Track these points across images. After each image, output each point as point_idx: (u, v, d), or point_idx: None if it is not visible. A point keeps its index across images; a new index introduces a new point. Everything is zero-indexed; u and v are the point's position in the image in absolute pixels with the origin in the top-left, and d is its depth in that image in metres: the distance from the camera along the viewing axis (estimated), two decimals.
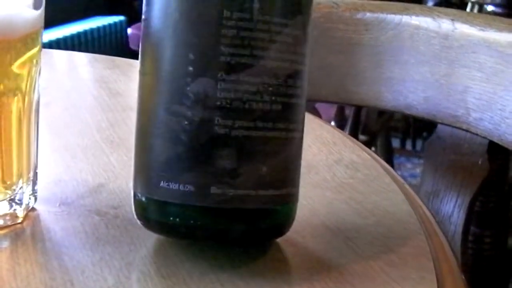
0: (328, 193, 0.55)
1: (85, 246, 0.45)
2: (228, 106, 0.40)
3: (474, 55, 0.83)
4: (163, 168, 0.41)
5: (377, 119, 1.77)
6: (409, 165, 3.07)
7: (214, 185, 0.41)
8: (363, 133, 1.69)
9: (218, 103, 0.40)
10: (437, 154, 0.88)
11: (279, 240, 0.45)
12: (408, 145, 3.27)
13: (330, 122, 1.81)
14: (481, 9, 2.86)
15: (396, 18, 0.87)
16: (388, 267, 0.43)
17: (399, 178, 0.60)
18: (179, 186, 0.41)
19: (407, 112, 0.89)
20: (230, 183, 0.41)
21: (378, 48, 0.89)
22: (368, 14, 0.89)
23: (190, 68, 0.41)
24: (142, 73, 0.43)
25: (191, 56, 0.41)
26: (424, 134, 2.75)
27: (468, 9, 3.21)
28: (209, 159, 0.40)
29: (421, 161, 2.99)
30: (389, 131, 2.04)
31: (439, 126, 0.87)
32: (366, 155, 0.68)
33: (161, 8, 0.41)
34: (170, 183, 0.41)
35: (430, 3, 2.45)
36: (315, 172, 0.60)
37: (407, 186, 0.58)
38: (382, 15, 0.88)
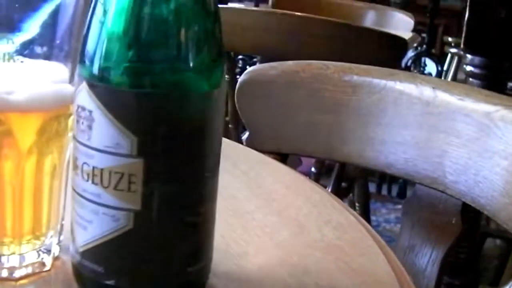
0: (318, 253, 0.60)
1: None
2: None
3: (453, 122, 0.88)
4: None
5: (355, 167, 1.83)
6: (384, 211, 3.12)
7: None
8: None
9: None
10: (414, 211, 0.93)
11: None
12: (384, 190, 3.32)
13: (310, 168, 1.86)
14: (459, 61, 2.94)
15: (382, 82, 0.93)
16: None
17: (380, 239, 0.65)
18: None
19: (388, 171, 0.94)
20: None
21: (363, 110, 0.95)
22: (356, 77, 0.95)
23: None
24: None
25: None
26: (400, 180, 2.80)
27: (447, 60, 3.30)
28: None
29: (396, 206, 3.03)
30: (366, 177, 2.09)
31: (417, 185, 0.93)
32: (352, 217, 0.72)
33: None
34: None
35: (410, 53, 2.52)
36: (307, 232, 0.65)
37: (387, 248, 0.63)
38: (368, 79, 0.94)
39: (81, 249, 0.47)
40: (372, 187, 3.04)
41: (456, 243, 0.93)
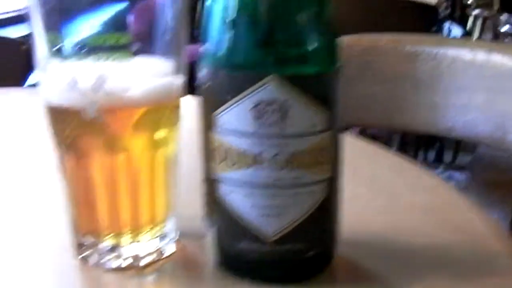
0: (417, 216, 0.62)
1: None
2: None
3: (510, 82, 0.91)
4: None
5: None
6: None
7: None
8: None
9: None
10: (478, 172, 0.96)
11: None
12: (420, 157, 3.21)
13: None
14: (483, 23, 2.96)
15: (435, 50, 0.95)
16: None
17: (466, 199, 0.67)
18: None
19: (448, 135, 0.97)
20: None
21: (419, 78, 0.97)
22: (408, 47, 0.97)
23: None
24: None
25: None
26: (437, 144, 2.73)
27: (469, 22, 3.28)
28: None
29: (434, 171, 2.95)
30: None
31: (479, 147, 0.95)
32: (437, 180, 0.74)
33: None
34: None
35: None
36: (400, 197, 0.67)
37: (476, 207, 0.65)
38: (421, 48, 0.96)
39: (272, 239, 0.48)
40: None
41: None
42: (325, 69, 0.48)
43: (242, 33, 0.46)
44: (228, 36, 0.46)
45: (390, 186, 0.71)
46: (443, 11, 2.50)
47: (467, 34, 3.00)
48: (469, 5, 3.01)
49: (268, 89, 0.45)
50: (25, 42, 1.15)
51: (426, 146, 2.89)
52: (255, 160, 0.47)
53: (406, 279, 0.52)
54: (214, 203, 0.50)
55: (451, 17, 3.08)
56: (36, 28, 0.49)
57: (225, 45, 0.46)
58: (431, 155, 3.04)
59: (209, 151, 0.49)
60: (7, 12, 2.70)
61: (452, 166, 2.55)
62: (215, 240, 0.51)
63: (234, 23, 0.46)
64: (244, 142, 0.47)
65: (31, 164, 0.79)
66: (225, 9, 0.46)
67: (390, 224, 0.61)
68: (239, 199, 0.48)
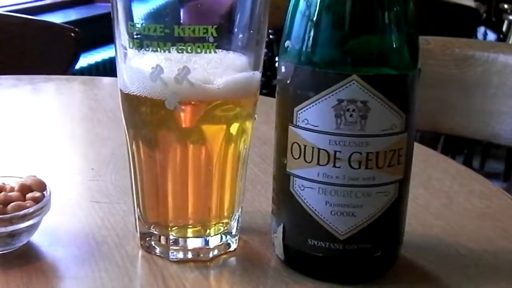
0: (474, 222, 0.63)
1: None
2: None
3: None
4: None
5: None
6: None
7: None
8: None
9: None
10: None
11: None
12: None
13: None
14: None
15: (485, 55, 0.94)
16: None
17: None
18: None
19: (493, 140, 0.96)
20: None
21: (467, 82, 0.97)
22: (458, 51, 0.97)
23: None
24: None
25: None
26: (465, 151, 2.71)
27: (504, 28, 3.26)
28: None
29: None
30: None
31: None
32: (492, 186, 0.74)
33: None
34: None
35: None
36: (456, 202, 0.68)
37: None
38: (471, 52, 0.95)
39: (343, 237, 0.48)
40: None
41: None
42: (406, 70, 0.48)
43: (328, 32, 0.46)
44: (313, 34, 0.46)
45: (446, 189, 0.71)
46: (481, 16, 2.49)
47: (502, 39, 2.99)
48: (505, 10, 3.00)
49: (351, 88, 0.45)
50: (73, 30, 1.15)
51: (454, 151, 2.87)
52: (332, 158, 0.47)
53: (464, 284, 0.52)
54: (284, 200, 0.50)
55: (487, 22, 3.06)
56: (119, 16, 0.49)
57: (309, 42, 0.46)
58: (459, 160, 3.02)
59: (284, 147, 0.49)
60: None
61: (481, 172, 2.54)
62: (283, 236, 0.51)
63: (320, 22, 0.46)
64: (322, 139, 0.47)
65: (90, 152, 0.80)
66: (310, 7, 0.46)
67: (448, 228, 0.61)
68: (313, 196, 0.48)
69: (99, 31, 1.94)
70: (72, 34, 1.14)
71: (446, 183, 0.73)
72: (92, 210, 0.61)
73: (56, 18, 2.49)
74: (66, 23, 1.55)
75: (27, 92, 1.04)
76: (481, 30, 2.81)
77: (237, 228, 0.55)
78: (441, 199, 0.68)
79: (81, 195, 0.65)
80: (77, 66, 2.31)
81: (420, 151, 0.81)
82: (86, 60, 2.48)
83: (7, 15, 1.31)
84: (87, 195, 0.65)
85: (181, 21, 0.47)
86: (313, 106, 0.46)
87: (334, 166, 0.47)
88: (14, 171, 0.56)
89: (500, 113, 0.94)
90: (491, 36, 2.97)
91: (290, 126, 0.48)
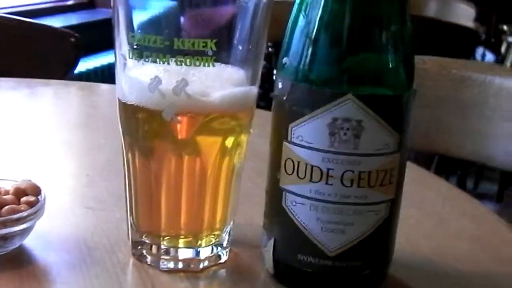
0: (465, 244, 0.63)
1: None
2: None
3: None
4: None
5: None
6: None
7: None
8: None
9: None
10: None
11: None
12: None
13: None
14: None
15: (482, 76, 0.95)
16: None
17: None
18: None
19: (488, 163, 0.97)
20: None
21: (463, 103, 0.97)
22: (454, 72, 0.97)
23: None
24: None
25: None
26: (458, 172, 2.70)
27: (503, 49, 3.25)
28: None
29: None
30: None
31: None
32: (483, 208, 0.75)
33: None
34: None
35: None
36: (448, 223, 0.68)
37: None
38: (468, 73, 0.96)
39: (332, 254, 0.49)
40: None
41: None
42: (401, 91, 0.48)
43: (325, 50, 0.47)
44: (310, 51, 0.47)
45: (437, 210, 0.71)
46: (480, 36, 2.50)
47: (500, 60, 3.00)
48: (504, 32, 3.00)
49: (346, 107, 0.46)
50: (73, 35, 1.16)
51: (448, 171, 2.86)
52: (324, 175, 0.47)
53: None
54: (276, 214, 0.51)
55: (486, 43, 3.07)
56: (120, 26, 0.49)
57: (307, 60, 0.47)
58: (453, 181, 3.01)
59: (278, 162, 0.49)
60: (48, 2, 2.72)
61: (474, 193, 2.53)
62: (273, 251, 0.51)
63: (317, 39, 0.47)
64: (316, 157, 0.47)
65: (85, 158, 0.80)
66: (309, 24, 0.47)
67: (437, 249, 0.61)
68: (304, 212, 0.49)
69: (99, 36, 1.95)
70: (72, 39, 1.14)
71: (438, 204, 0.74)
72: (85, 216, 0.61)
73: (57, 21, 2.50)
74: (66, 27, 1.55)
75: (25, 95, 1.04)
76: (479, 50, 2.81)
77: (228, 240, 0.55)
78: (433, 220, 0.68)
79: (75, 201, 0.66)
80: (76, 71, 2.32)
81: (413, 171, 0.81)
82: (85, 65, 2.48)
83: (6, 17, 1.31)
84: (81, 201, 0.65)
85: (181, 33, 0.48)
86: (308, 123, 0.47)
87: (327, 183, 0.47)
88: (10, 174, 0.57)
89: (496, 136, 0.95)
90: (490, 57, 2.98)
91: (284, 142, 0.49)
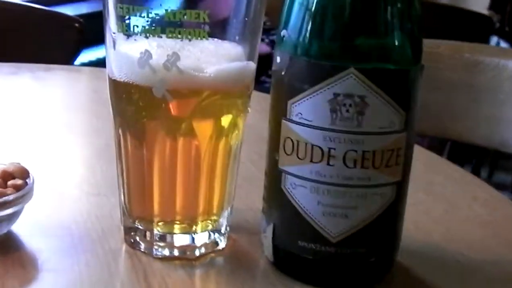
0: (476, 230, 0.60)
1: None
2: None
3: None
4: None
5: None
6: None
7: None
8: None
9: None
10: None
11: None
12: None
13: None
14: None
15: (495, 61, 0.92)
16: None
17: None
18: None
19: (501, 148, 0.94)
20: None
21: (476, 88, 0.94)
22: (468, 55, 0.94)
23: None
24: None
25: None
26: (473, 160, 2.66)
27: None
28: None
29: None
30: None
31: None
32: (496, 193, 0.72)
33: None
34: None
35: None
36: (458, 209, 0.65)
37: None
38: (481, 57, 0.93)
39: (335, 240, 0.46)
40: None
41: None
42: (407, 66, 0.45)
43: (325, 22, 0.44)
44: (310, 24, 0.44)
45: (448, 195, 0.68)
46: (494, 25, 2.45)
47: None
48: None
49: (348, 82, 0.43)
50: (78, 20, 1.13)
51: (462, 160, 2.82)
52: (325, 155, 0.44)
53: None
54: (275, 197, 0.48)
55: (500, 31, 3.02)
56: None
57: (306, 32, 0.44)
58: (467, 170, 2.96)
59: (277, 142, 0.46)
60: None
61: (488, 183, 2.49)
62: (273, 236, 0.49)
63: (317, 11, 0.44)
64: (316, 135, 0.44)
65: (83, 142, 0.78)
66: None
67: (447, 235, 0.59)
68: (305, 195, 0.46)
69: None
70: (76, 25, 1.12)
71: (449, 189, 0.71)
72: (78, 201, 0.59)
73: (67, 10, 2.48)
74: (77, 16, 1.53)
75: (26, 80, 1.02)
76: (494, 39, 2.76)
77: (226, 226, 0.52)
78: (443, 205, 0.65)
79: (68, 185, 0.63)
80: (85, 60, 2.29)
81: (423, 154, 0.78)
82: (95, 54, 2.46)
83: (10, 2, 1.29)
84: (74, 186, 0.63)
85: (173, 4, 0.45)
86: (307, 99, 0.44)
87: (328, 164, 0.44)
88: (1, 158, 0.54)
89: (510, 121, 0.92)
90: (504, 46, 2.93)
91: (283, 120, 0.46)
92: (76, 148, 0.76)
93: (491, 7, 1.85)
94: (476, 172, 2.78)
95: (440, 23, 1.27)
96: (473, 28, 1.34)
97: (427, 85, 0.99)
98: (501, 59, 0.91)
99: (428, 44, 1.01)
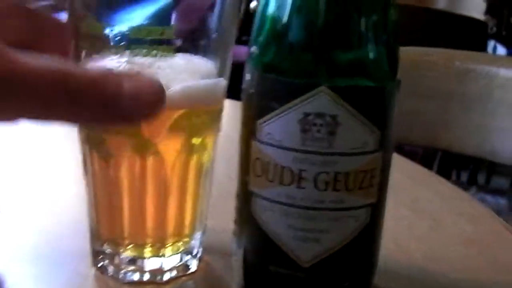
0: (460, 248, 0.58)
1: None
2: None
3: None
4: None
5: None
6: None
7: None
8: None
9: None
10: None
11: None
12: (454, 176, 3.11)
13: None
14: None
15: (486, 68, 0.90)
16: None
17: None
18: None
19: (492, 158, 0.92)
20: None
21: (468, 96, 0.92)
22: (459, 64, 0.92)
23: None
24: None
25: None
26: (470, 166, 2.63)
27: None
28: None
29: (467, 192, 2.83)
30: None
31: None
32: (482, 209, 0.70)
33: None
34: None
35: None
36: (444, 225, 0.63)
37: None
38: (473, 66, 0.91)
39: (306, 265, 0.44)
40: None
41: None
42: (383, 82, 0.43)
43: (294, 37, 0.42)
44: (279, 38, 0.42)
45: (433, 211, 0.66)
46: (490, 29, 2.42)
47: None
48: None
49: (319, 100, 0.41)
50: None
51: (460, 166, 2.80)
52: (296, 177, 0.42)
53: None
54: (245, 220, 0.46)
55: (497, 36, 3.00)
56: (73, 15, 0.45)
57: (275, 49, 0.42)
58: (464, 175, 2.95)
59: (246, 163, 0.45)
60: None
61: (486, 188, 2.47)
62: (243, 260, 0.47)
63: (286, 26, 0.42)
64: (286, 156, 0.42)
65: (51, 163, 0.76)
66: (278, 10, 0.42)
67: (430, 254, 0.57)
68: (275, 218, 0.44)
69: None
70: None
71: (435, 204, 0.69)
72: (49, 222, 0.57)
73: None
74: None
75: None
76: (491, 44, 2.73)
77: (198, 248, 0.50)
78: (427, 221, 0.63)
79: (36, 200, 0.61)
80: None
81: (407, 168, 0.76)
82: None
83: None
84: (46, 206, 0.61)
85: (140, 21, 0.43)
86: (277, 119, 0.42)
87: (299, 186, 0.42)
88: None
89: (500, 130, 0.90)
90: (501, 50, 2.91)
91: (252, 141, 0.44)
92: (54, 158, 0.74)
93: (488, 11, 1.82)
94: (473, 178, 2.76)
95: (437, 29, 1.25)
96: (470, 34, 1.32)
97: (419, 93, 0.97)
98: (492, 67, 0.90)
99: (420, 52, 0.99)
